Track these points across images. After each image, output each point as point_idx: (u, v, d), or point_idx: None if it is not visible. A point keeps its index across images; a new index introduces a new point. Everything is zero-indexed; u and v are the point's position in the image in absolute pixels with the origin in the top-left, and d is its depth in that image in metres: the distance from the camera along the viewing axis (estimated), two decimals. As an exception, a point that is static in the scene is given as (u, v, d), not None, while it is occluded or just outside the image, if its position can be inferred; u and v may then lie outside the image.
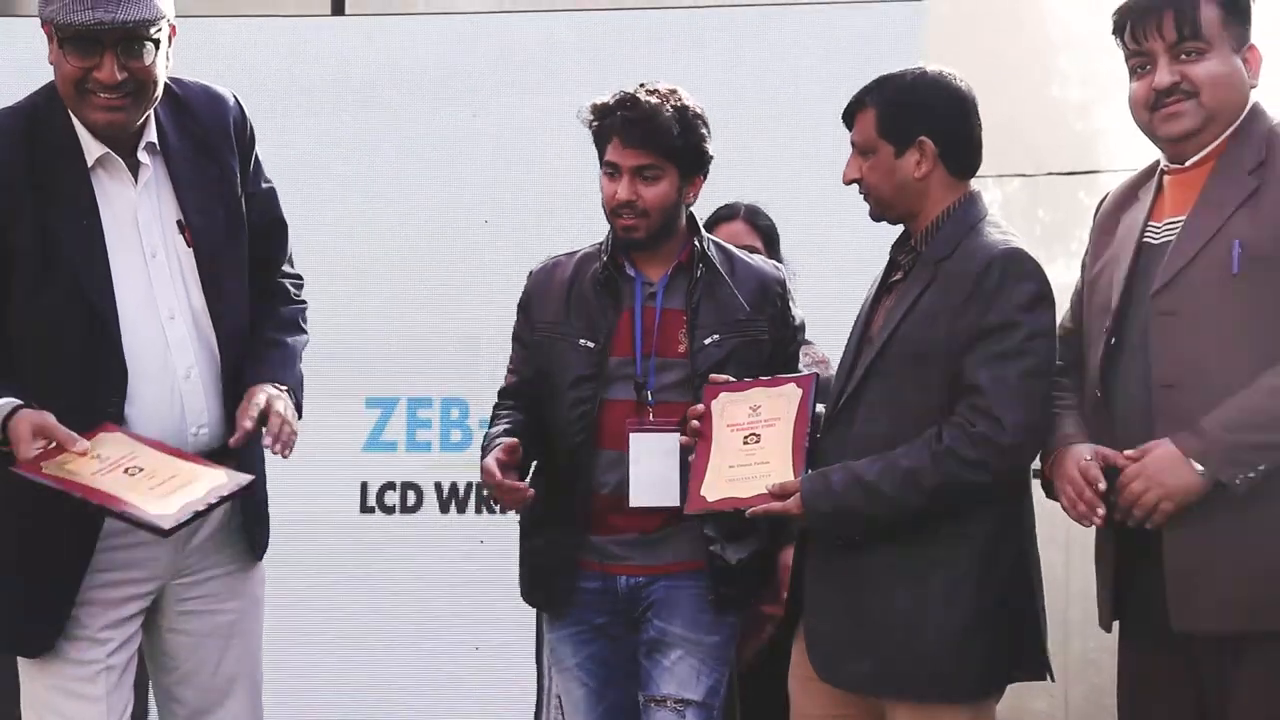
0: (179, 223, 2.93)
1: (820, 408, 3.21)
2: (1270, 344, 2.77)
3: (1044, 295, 2.98)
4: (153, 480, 2.76)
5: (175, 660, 3.10)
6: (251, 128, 3.12)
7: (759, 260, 3.56)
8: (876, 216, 3.20)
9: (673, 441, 3.31)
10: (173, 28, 2.90)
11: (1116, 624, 3.07)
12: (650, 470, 3.34)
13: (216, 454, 2.96)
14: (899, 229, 3.21)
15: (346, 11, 5.62)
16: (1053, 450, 3.00)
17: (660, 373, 3.40)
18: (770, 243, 4.00)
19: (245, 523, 3.13)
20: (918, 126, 3.07)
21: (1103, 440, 2.94)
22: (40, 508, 2.82)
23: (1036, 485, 3.10)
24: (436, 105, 4.99)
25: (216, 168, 3.00)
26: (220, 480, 2.83)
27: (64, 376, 2.84)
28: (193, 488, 2.78)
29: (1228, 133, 2.92)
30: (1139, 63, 2.98)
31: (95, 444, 2.77)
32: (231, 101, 3.09)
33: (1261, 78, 2.97)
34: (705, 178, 3.47)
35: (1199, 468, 2.78)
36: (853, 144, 3.16)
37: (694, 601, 3.41)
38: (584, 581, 3.44)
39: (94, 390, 2.85)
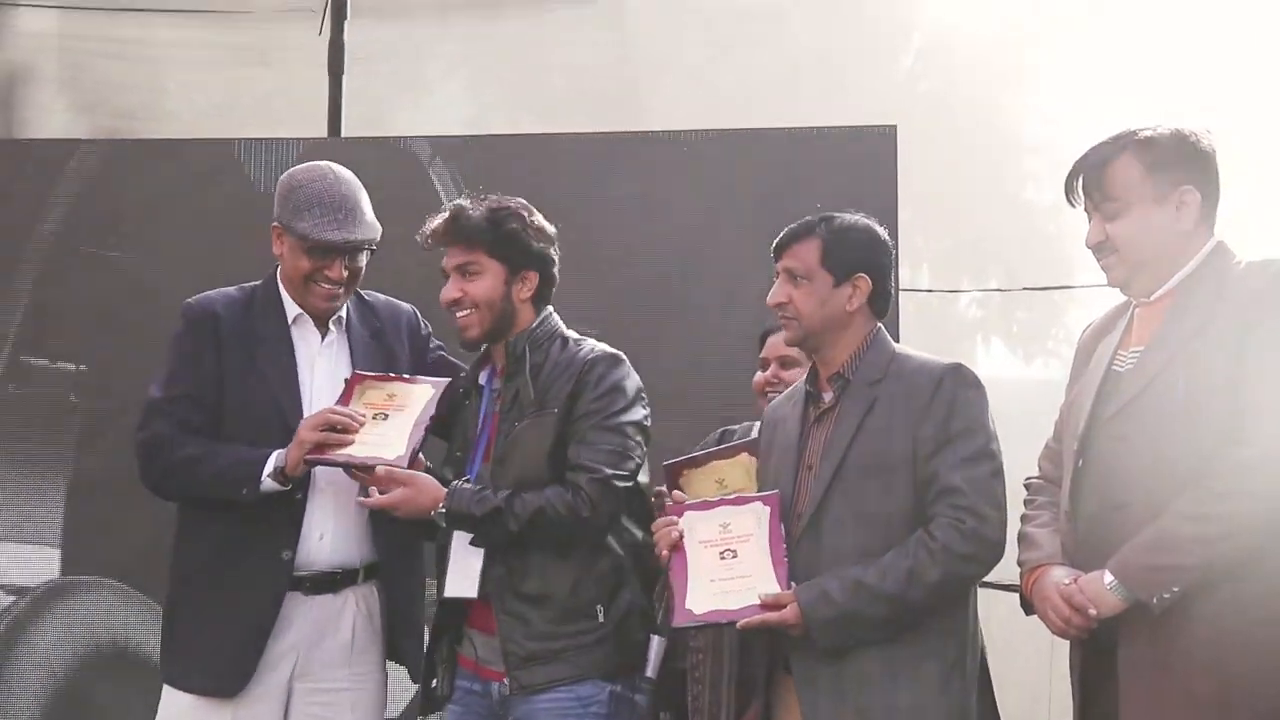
0: (345, 379, 3.66)
1: None
2: (1208, 469, 2.91)
3: (988, 403, 3.24)
4: (388, 426, 3.51)
5: None
6: (427, 328, 3.91)
7: (587, 345, 3.59)
8: (795, 341, 3.40)
9: None
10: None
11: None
12: (462, 562, 3.48)
13: (342, 574, 3.63)
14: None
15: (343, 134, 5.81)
16: (1029, 569, 3.16)
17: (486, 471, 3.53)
18: None
19: (390, 625, 3.69)
20: (858, 264, 3.32)
21: (1068, 557, 3.10)
22: (235, 555, 3.54)
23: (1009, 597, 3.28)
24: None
25: (384, 351, 3.75)
26: (428, 393, 3.57)
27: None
28: (410, 413, 3.53)
29: (1188, 269, 3.08)
30: (1087, 216, 3.18)
31: (358, 398, 3.57)
32: (408, 309, 3.89)
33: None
34: (543, 276, 3.57)
35: (1117, 589, 2.95)
36: (786, 269, 3.35)
37: (549, 716, 3.41)
38: (466, 681, 3.55)
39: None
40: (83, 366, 4.76)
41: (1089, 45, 9.93)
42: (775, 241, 3.39)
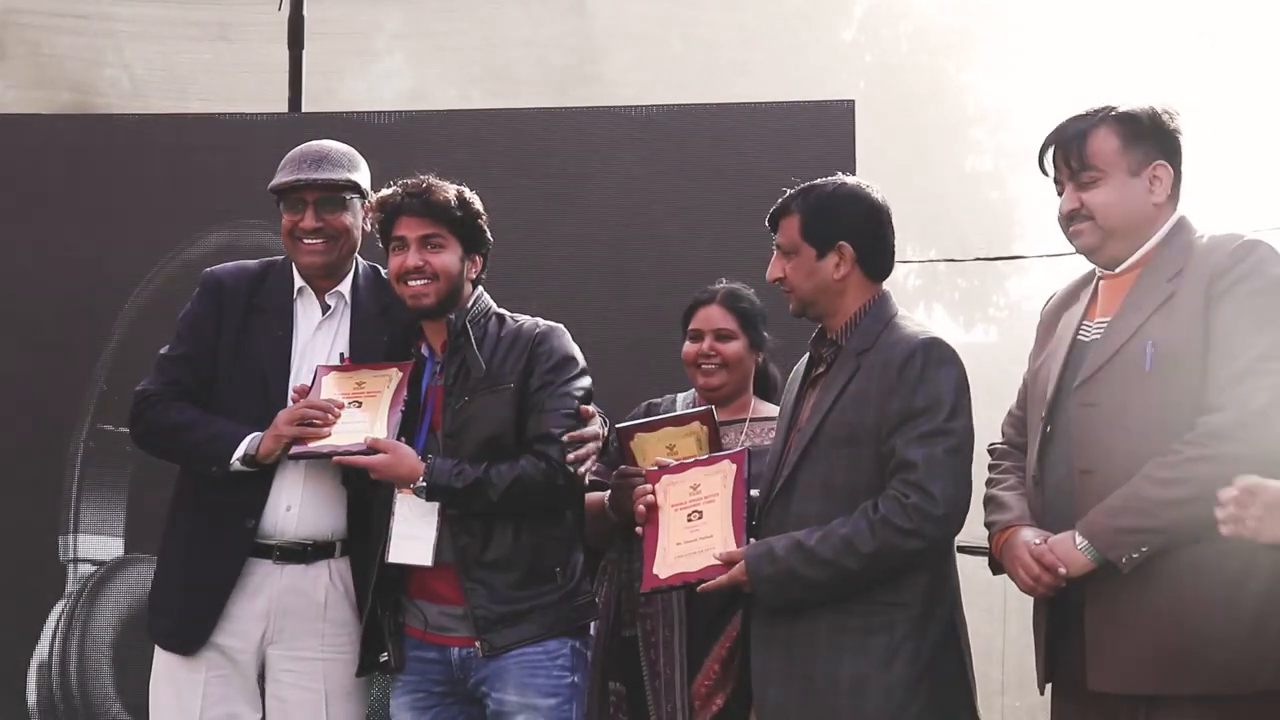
0: (341, 354, 3.74)
1: (754, 492, 3.42)
2: (1174, 435, 3.02)
3: (962, 379, 3.26)
4: (362, 412, 3.58)
5: None
6: None
7: (526, 320, 3.70)
8: (797, 313, 3.45)
9: (431, 506, 3.55)
10: (367, 204, 3.72)
11: (1049, 685, 3.31)
12: (410, 529, 3.57)
13: (314, 546, 3.67)
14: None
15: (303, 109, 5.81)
16: (999, 530, 3.26)
17: (433, 441, 3.62)
18: (748, 324, 3.98)
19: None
20: (838, 232, 3.34)
21: (1035, 520, 3.20)
22: (206, 520, 3.66)
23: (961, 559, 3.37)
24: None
25: (391, 327, 3.75)
26: (395, 376, 3.63)
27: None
28: (383, 398, 3.60)
29: (1153, 242, 3.20)
30: (1057, 187, 3.29)
31: (326, 390, 3.61)
32: None
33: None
34: (484, 262, 3.70)
35: (1087, 550, 3.05)
36: (777, 245, 3.41)
37: (521, 669, 3.54)
38: (415, 650, 3.62)
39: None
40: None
41: (1030, 14, 10.08)
42: (767, 217, 3.44)
